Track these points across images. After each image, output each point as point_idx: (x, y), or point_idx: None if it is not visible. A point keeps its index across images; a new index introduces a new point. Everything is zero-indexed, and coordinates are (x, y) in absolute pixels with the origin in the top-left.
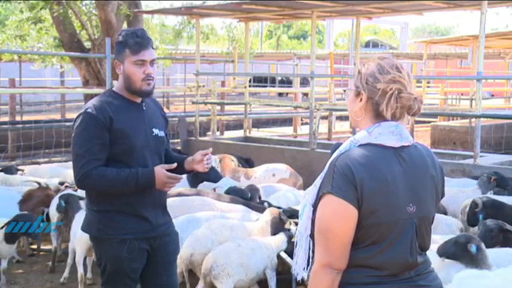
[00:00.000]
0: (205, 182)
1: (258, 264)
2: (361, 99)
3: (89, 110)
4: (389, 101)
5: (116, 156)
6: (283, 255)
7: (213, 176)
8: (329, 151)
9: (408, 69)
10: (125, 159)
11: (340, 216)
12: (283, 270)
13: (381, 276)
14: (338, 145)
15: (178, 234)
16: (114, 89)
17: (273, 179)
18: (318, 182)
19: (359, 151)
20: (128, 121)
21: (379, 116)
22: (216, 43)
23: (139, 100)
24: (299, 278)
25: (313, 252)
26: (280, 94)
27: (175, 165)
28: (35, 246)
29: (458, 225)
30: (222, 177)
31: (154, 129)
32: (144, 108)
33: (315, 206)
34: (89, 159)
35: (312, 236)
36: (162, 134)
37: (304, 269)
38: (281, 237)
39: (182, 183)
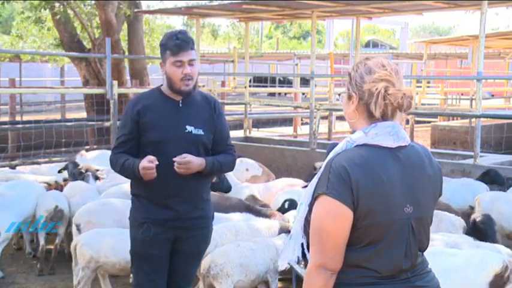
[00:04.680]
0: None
1: (258, 265)
2: (353, 102)
3: (128, 103)
4: (377, 100)
5: (145, 147)
6: None
7: (225, 185)
8: None
9: (397, 66)
10: (151, 150)
11: (335, 217)
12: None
13: (378, 277)
14: (334, 145)
15: (212, 232)
16: (161, 86)
17: (246, 174)
18: (314, 182)
19: (355, 152)
20: (157, 116)
21: (372, 116)
22: (218, 43)
23: (178, 98)
24: (282, 268)
25: (307, 250)
26: (277, 94)
27: (151, 157)
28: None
29: (462, 223)
30: (231, 186)
31: (188, 126)
32: (181, 105)
33: (310, 206)
34: (116, 146)
35: (306, 235)
36: (199, 132)
37: (290, 261)
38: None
39: None
